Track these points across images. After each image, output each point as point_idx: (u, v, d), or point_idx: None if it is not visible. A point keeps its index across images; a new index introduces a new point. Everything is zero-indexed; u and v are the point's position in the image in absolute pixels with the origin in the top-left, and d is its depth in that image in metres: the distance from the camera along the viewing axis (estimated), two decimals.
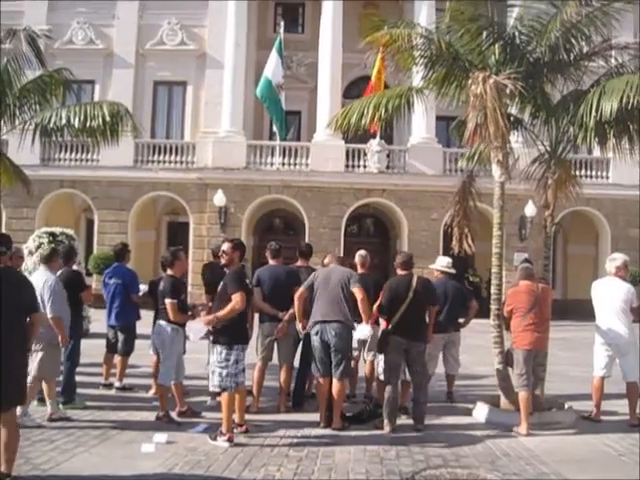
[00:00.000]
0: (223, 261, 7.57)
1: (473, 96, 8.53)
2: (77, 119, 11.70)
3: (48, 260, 8.32)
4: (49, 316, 7.78)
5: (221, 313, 7.18)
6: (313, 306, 8.20)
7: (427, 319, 8.43)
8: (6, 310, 5.38)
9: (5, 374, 5.28)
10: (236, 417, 7.54)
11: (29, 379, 7.91)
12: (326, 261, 9.24)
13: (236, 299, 7.12)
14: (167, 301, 8.06)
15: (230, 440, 7.14)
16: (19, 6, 26.72)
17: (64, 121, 11.74)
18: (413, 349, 8.13)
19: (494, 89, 8.30)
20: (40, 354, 7.89)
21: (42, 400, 8.63)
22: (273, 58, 25.14)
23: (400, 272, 8.37)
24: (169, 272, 8.45)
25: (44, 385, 8.10)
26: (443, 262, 10.18)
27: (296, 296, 8.29)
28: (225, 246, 7.54)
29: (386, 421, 7.97)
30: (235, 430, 7.44)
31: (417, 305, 8.11)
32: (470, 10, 9.41)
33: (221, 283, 7.43)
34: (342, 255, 9.40)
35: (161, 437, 7.20)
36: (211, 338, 7.63)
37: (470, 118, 8.65)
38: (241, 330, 7.40)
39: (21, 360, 5.69)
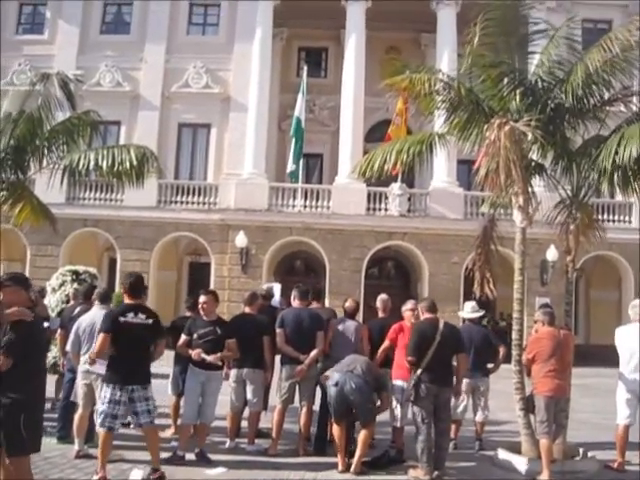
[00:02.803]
0: None
1: (487, 142, 8.60)
2: (105, 162, 11.91)
3: (104, 299, 8.60)
4: None
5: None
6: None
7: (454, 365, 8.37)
8: (39, 358, 5.53)
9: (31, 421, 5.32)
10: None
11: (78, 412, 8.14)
12: (347, 305, 9.31)
13: (98, 340, 7.33)
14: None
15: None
16: (50, 50, 27.53)
17: (92, 164, 11.95)
18: (441, 395, 8.04)
19: (509, 136, 8.34)
20: (99, 388, 7.96)
21: (62, 438, 8.68)
22: (300, 101, 25.73)
23: (426, 316, 8.35)
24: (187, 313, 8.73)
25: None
26: (468, 307, 10.10)
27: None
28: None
29: (426, 470, 7.81)
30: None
31: (444, 349, 8.04)
32: (491, 56, 9.53)
33: None
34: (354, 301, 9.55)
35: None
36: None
37: (483, 164, 8.72)
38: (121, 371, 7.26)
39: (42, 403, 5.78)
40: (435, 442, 8.08)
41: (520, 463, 8.44)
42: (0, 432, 5.16)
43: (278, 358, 9.02)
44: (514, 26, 9.63)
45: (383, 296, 9.76)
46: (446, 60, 24.77)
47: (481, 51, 9.53)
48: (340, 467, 7.95)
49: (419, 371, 7.90)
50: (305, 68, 27.24)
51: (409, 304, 9.07)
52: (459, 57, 22.12)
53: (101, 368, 7.51)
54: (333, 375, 8.14)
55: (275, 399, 9.04)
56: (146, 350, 7.26)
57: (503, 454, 8.75)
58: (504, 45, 9.47)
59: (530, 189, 9.44)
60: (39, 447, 5.45)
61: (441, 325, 8.14)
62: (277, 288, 11.63)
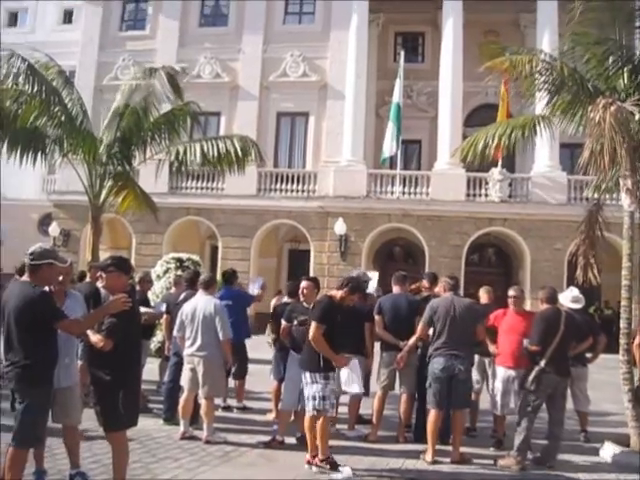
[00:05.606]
0: None
1: (591, 123, 8.26)
2: (211, 153, 12.22)
3: (208, 286, 8.79)
4: (222, 338, 8.30)
5: None
6: (436, 337, 8.12)
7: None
8: (136, 340, 5.89)
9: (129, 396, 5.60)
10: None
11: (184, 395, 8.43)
12: (437, 290, 9.21)
13: None
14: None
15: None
16: (152, 44, 28.46)
17: (199, 155, 12.27)
18: (560, 385, 7.91)
19: (615, 116, 7.97)
20: (202, 371, 8.27)
21: (168, 420, 8.98)
22: (398, 86, 25.66)
23: (545, 306, 8.13)
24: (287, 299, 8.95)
25: (203, 403, 8.32)
26: (569, 295, 9.71)
27: (418, 334, 8.36)
28: None
29: (520, 459, 7.71)
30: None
31: (567, 339, 7.89)
32: (595, 33, 9.17)
33: None
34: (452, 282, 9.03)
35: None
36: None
37: (586, 146, 8.39)
38: None
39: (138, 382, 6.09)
40: (550, 432, 7.98)
41: (628, 457, 8.15)
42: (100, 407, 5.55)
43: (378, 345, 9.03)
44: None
45: (486, 286, 9.76)
46: (547, 41, 24.03)
47: (584, 28, 9.18)
48: (430, 457, 7.78)
49: (543, 362, 7.71)
50: (402, 53, 27.00)
51: (512, 291, 8.89)
52: (560, 37, 21.42)
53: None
54: (438, 360, 7.99)
55: (375, 385, 9.05)
56: None
57: (610, 447, 8.46)
58: (609, 21, 9.08)
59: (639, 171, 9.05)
60: (136, 422, 5.73)
61: (563, 316, 7.96)
62: (374, 275, 11.63)
